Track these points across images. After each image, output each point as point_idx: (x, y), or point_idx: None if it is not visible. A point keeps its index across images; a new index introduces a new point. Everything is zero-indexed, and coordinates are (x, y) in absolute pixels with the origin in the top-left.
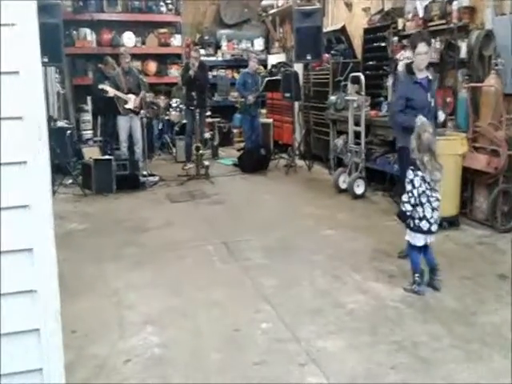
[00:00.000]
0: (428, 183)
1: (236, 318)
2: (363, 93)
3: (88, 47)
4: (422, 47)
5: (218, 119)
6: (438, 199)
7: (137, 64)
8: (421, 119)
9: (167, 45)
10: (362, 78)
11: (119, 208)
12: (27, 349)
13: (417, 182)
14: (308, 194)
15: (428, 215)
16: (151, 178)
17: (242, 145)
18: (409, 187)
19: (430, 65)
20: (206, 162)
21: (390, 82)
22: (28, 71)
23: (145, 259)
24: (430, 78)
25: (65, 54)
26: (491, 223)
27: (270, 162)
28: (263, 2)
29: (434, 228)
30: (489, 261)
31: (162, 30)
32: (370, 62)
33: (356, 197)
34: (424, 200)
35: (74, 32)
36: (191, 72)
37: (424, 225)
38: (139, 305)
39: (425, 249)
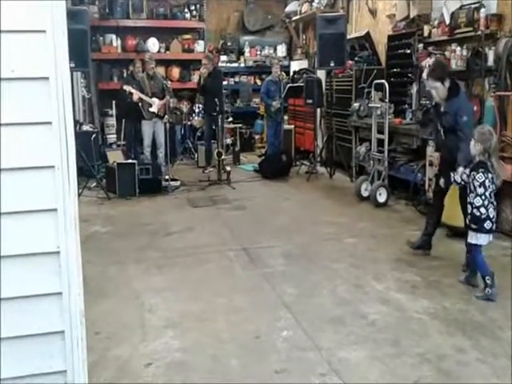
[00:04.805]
0: (494, 184)
1: (256, 324)
2: (387, 100)
3: (113, 53)
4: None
5: (239, 125)
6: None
7: (161, 70)
8: (486, 127)
9: (191, 51)
10: (386, 85)
11: (142, 212)
12: (52, 350)
13: (487, 184)
14: (329, 202)
15: (491, 215)
16: (173, 183)
17: (263, 151)
18: (481, 190)
19: (453, 73)
20: (228, 168)
21: (414, 89)
22: (57, 77)
23: (166, 263)
24: (443, 109)
25: (91, 60)
26: None
27: (291, 168)
28: (287, 9)
29: (494, 227)
30: None
31: (186, 36)
32: (394, 69)
33: (378, 205)
34: (489, 200)
35: (100, 38)
36: (202, 80)
37: (488, 224)
38: (160, 308)
39: (474, 250)
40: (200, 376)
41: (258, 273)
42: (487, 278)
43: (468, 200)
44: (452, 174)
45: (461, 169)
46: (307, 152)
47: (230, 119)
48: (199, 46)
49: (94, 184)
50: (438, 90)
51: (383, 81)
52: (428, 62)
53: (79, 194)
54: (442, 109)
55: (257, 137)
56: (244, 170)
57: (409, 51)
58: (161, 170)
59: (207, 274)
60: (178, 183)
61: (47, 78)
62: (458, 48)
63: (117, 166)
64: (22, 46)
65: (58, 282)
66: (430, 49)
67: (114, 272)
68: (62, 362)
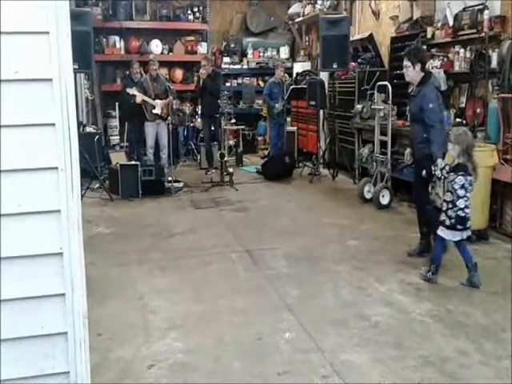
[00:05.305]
0: (471, 185)
1: (259, 326)
2: (390, 102)
3: (117, 54)
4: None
5: (242, 127)
6: None
7: (164, 71)
8: (461, 128)
9: (194, 52)
10: (389, 86)
11: (144, 213)
12: (55, 352)
13: (467, 187)
14: (332, 203)
15: (468, 215)
16: (176, 184)
17: (266, 152)
18: (462, 192)
19: (454, 75)
20: (230, 169)
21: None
22: (61, 78)
23: (169, 264)
24: (412, 93)
25: (94, 61)
26: None
27: (294, 170)
28: (290, 10)
29: (468, 224)
30: None
31: (189, 38)
32: (398, 71)
33: (381, 207)
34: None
35: (104, 39)
36: (201, 81)
37: (469, 224)
38: (163, 310)
39: (461, 245)
40: (202, 377)
41: (261, 275)
42: (433, 266)
43: (444, 198)
44: (433, 168)
45: (439, 160)
46: (310, 154)
47: (233, 121)
48: (202, 48)
49: (97, 185)
50: (408, 70)
51: (386, 83)
52: (432, 64)
53: (82, 195)
54: (412, 93)
55: (259, 138)
56: (247, 172)
57: None
58: (164, 171)
59: (210, 276)
60: (180, 185)
61: (51, 80)
62: (462, 50)
63: (120, 168)
64: (25, 47)
65: (61, 283)
66: (434, 51)
67: (117, 273)
68: (64, 363)
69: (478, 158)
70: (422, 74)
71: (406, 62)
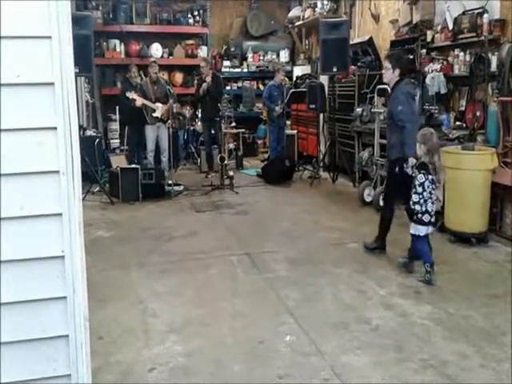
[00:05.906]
0: (434, 183)
1: (259, 329)
2: None
3: (117, 58)
4: (385, 63)
5: (242, 130)
6: (435, 195)
7: (163, 74)
8: (428, 129)
9: (194, 56)
10: (389, 90)
11: (145, 216)
12: (56, 354)
13: (426, 185)
14: (332, 207)
15: (429, 209)
16: (176, 188)
17: (266, 155)
18: (419, 189)
19: (454, 78)
20: (231, 173)
21: (418, 94)
22: (62, 82)
23: (169, 268)
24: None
25: (95, 65)
26: None
27: (294, 173)
28: (290, 14)
29: (433, 219)
30: None
31: (189, 42)
32: None
33: (381, 210)
34: (427, 197)
35: (104, 43)
36: (204, 85)
37: (426, 217)
38: (164, 313)
39: (414, 239)
40: (203, 380)
41: (261, 278)
42: (427, 264)
43: (411, 193)
44: (405, 166)
45: (411, 159)
46: (310, 157)
47: (233, 124)
48: (202, 52)
49: (98, 189)
50: (387, 72)
51: (386, 86)
52: (431, 68)
53: (83, 199)
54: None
55: (260, 142)
56: (247, 175)
57: (412, 56)
58: (164, 174)
59: (210, 279)
60: (181, 188)
61: (53, 84)
62: (461, 53)
63: (120, 171)
64: (27, 51)
65: (63, 286)
66: (433, 54)
67: (118, 276)
68: (66, 366)
69: (478, 160)
70: (398, 78)
71: (386, 64)
